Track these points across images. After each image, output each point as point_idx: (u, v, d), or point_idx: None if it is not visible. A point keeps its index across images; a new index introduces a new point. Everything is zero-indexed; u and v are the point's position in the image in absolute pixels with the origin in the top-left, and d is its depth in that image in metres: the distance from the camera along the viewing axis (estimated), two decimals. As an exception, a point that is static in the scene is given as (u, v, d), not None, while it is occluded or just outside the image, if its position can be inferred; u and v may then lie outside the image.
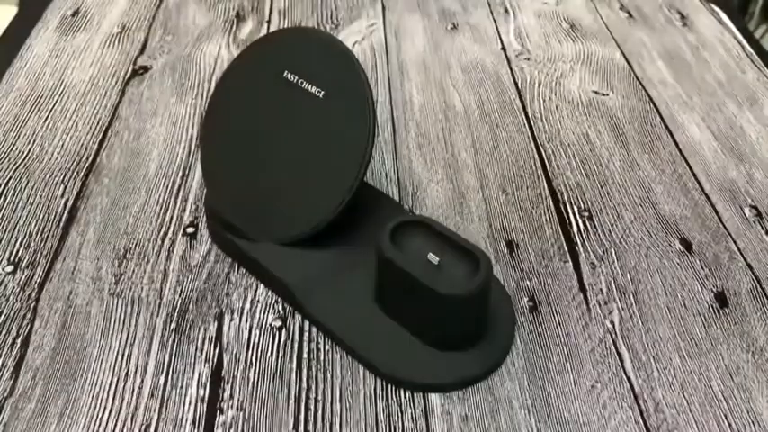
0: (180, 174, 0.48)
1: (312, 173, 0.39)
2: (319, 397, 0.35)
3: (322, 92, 0.39)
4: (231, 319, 0.39)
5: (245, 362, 0.37)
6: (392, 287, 0.36)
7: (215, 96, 0.43)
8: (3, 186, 0.47)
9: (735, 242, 0.45)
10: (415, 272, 0.34)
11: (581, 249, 0.44)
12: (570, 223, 0.46)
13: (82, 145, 0.51)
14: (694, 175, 0.51)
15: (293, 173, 0.40)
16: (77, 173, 0.48)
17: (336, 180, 0.39)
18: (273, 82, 0.41)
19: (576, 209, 0.47)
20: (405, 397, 0.35)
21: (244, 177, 0.41)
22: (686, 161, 0.52)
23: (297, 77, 0.40)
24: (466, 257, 0.35)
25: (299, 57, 0.40)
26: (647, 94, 0.59)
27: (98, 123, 0.53)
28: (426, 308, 0.35)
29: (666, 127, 0.55)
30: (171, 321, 0.39)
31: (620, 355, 0.38)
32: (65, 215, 0.45)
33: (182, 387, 0.35)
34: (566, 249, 0.44)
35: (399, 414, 0.34)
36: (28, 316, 0.38)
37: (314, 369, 0.36)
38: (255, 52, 0.42)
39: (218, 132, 0.42)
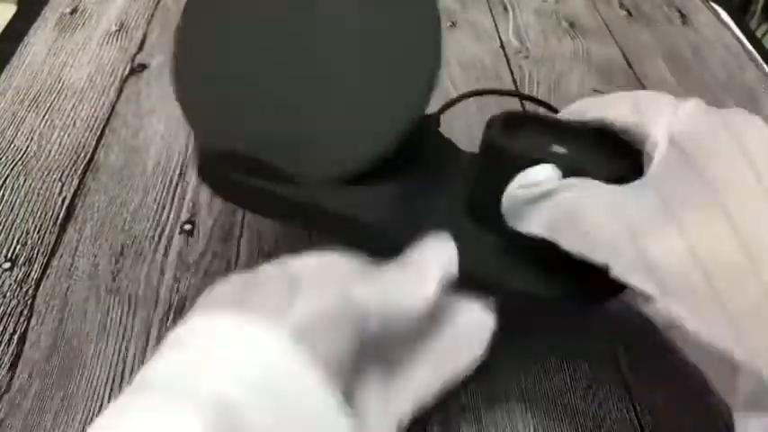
0: (177, 171, 0.48)
1: (362, 93, 0.31)
2: (315, 394, 0.35)
3: None
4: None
5: (242, 359, 0.37)
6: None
7: (196, 10, 0.34)
8: (0, 183, 0.47)
9: (733, 241, 0.45)
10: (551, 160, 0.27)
11: (578, 247, 0.44)
12: (568, 221, 0.46)
13: (80, 142, 0.51)
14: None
15: (335, 95, 0.31)
16: (75, 170, 0.48)
17: (398, 96, 0.31)
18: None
19: (573, 207, 0.47)
20: (401, 395, 0.35)
21: (265, 107, 0.32)
22: (685, 159, 0.52)
23: None
24: (598, 144, 0.29)
25: None
26: (646, 92, 0.59)
27: (96, 121, 0.53)
28: None
29: (665, 125, 0.55)
30: (168, 319, 0.39)
31: (615, 354, 0.38)
32: (62, 212, 0.45)
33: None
34: (563, 247, 0.44)
35: (395, 412, 0.34)
36: (25, 312, 0.38)
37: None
38: None
39: (212, 55, 0.33)
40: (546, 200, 0.26)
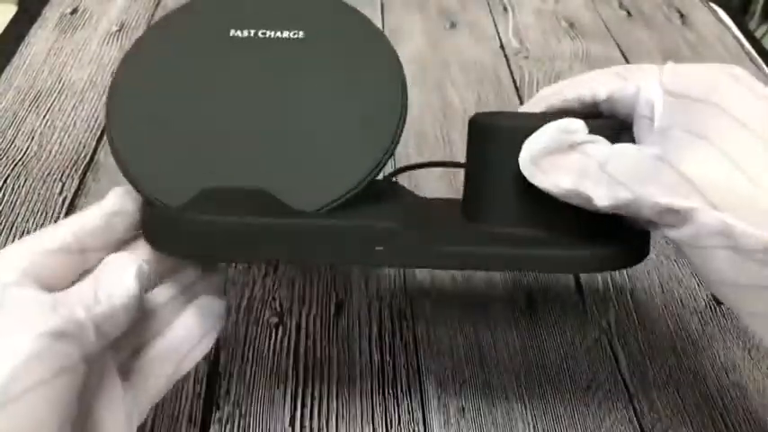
0: (178, 171, 0.49)
1: (334, 129, 0.29)
2: (315, 393, 0.35)
3: (300, 32, 0.31)
4: (228, 316, 0.39)
5: (242, 358, 0.37)
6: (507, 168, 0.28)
7: (129, 79, 0.30)
8: (1, 183, 0.47)
9: (732, 240, 0.45)
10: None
11: (578, 247, 0.44)
12: (567, 221, 0.46)
13: (80, 143, 0.51)
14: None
15: (306, 138, 0.29)
16: (75, 170, 0.48)
17: (371, 125, 0.29)
18: (220, 47, 0.31)
19: (573, 207, 0.47)
20: (401, 390, 0.35)
21: (232, 164, 0.29)
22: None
23: (251, 31, 0.31)
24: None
25: (241, 7, 0.32)
26: (646, 92, 0.59)
27: (96, 121, 0.53)
28: None
29: (664, 125, 0.55)
30: (168, 318, 0.39)
31: (615, 354, 0.38)
32: (63, 213, 0.45)
33: (178, 383, 0.35)
34: (563, 247, 0.44)
35: (396, 407, 0.34)
36: (25, 313, 0.39)
37: (310, 365, 0.36)
38: (180, 20, 0.32)
39: (156, 123, 0.30)
40: (572, 151, 0.26)
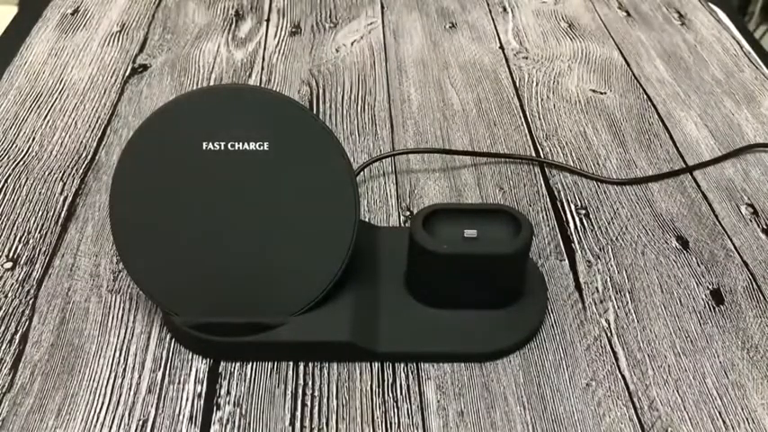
0: (178, 171, 0.49)
1: (298, 237, 0.35)
2: (316, 393, 0.35)
3: (265, 143, 0.34)
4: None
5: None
6: (436, 275, 0.37)
7: (120, 195, 0.35)
8: (2, 183, 0.47)
9: (731, 240, 0.45)
10: (462, 250, 0.36)
11: (577, 247, 0.44)
12: (567, 221, 0.46)
13: (81, 143, 0.51)
14: (691, 172, 0.51)
15: (275, 246, 0.35)
16: (76, 170, 0.49)
17: (330, 234, 0.35)
18: (194, 162, 0.34)
19: (572, 207, 0.47)
20: (401, 393, 0.35)
21: (213, 271, 0.35)
22: (683, 159, 0.52)
23: (221, 144, 0.34)
24: (501, 224, 0.37)
25: (211, 121, 0.34)
26: (645, 92, 0.59)
27: (97, 121, 0.53)
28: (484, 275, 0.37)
29: (664, 125, 0.55)
30: (169, 318, 0.39)
31: (615, 353, 0.38)
32: (63, 212, 0.45)
33: (179, 383, 0.35)
34: (562, 247, 0.44)
35: (395, 410, 0.35)
36: (26, 312, 0.39)
37: (311, 365, 0.36)
38: (154, 136, 0.35)
39: (149, 233, 0.35)
40: None
